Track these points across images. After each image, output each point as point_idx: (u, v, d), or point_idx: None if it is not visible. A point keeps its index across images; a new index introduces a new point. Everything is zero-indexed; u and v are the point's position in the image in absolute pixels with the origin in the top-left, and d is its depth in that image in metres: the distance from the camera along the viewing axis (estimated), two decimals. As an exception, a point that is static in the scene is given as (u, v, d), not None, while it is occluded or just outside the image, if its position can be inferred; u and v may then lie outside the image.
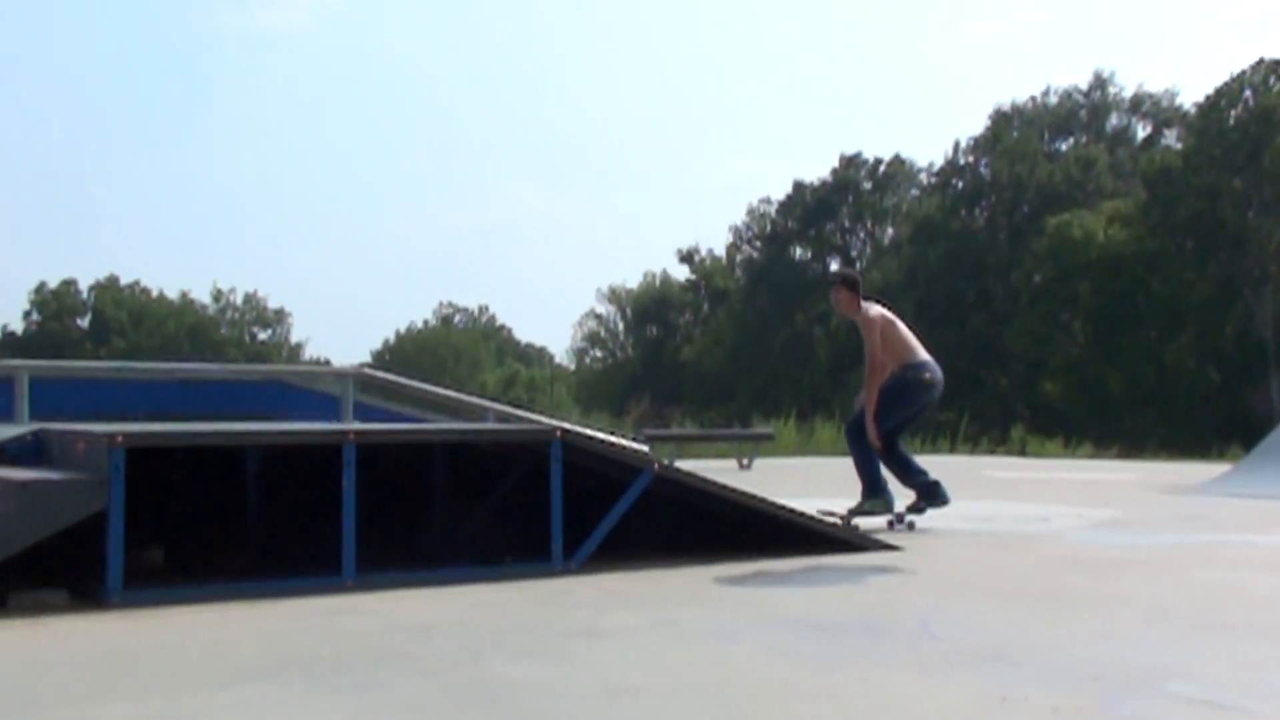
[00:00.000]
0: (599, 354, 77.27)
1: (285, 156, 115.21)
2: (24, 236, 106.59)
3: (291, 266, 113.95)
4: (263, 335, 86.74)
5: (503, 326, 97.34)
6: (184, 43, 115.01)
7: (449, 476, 7.39)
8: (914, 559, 6.68)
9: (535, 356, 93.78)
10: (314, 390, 9.94)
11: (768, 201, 64.58)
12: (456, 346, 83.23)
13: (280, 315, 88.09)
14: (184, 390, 9.35)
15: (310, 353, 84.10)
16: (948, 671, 3.89)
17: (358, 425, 6.70)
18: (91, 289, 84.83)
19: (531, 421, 8.28)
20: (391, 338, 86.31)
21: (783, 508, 6.82)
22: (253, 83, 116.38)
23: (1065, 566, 6.50)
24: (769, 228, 63.88)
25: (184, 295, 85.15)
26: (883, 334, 7.93)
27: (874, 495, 7.96)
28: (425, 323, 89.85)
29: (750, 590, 5.72)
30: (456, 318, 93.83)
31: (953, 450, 24.74)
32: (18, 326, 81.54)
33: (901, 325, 8.08)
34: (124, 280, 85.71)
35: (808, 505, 7.33)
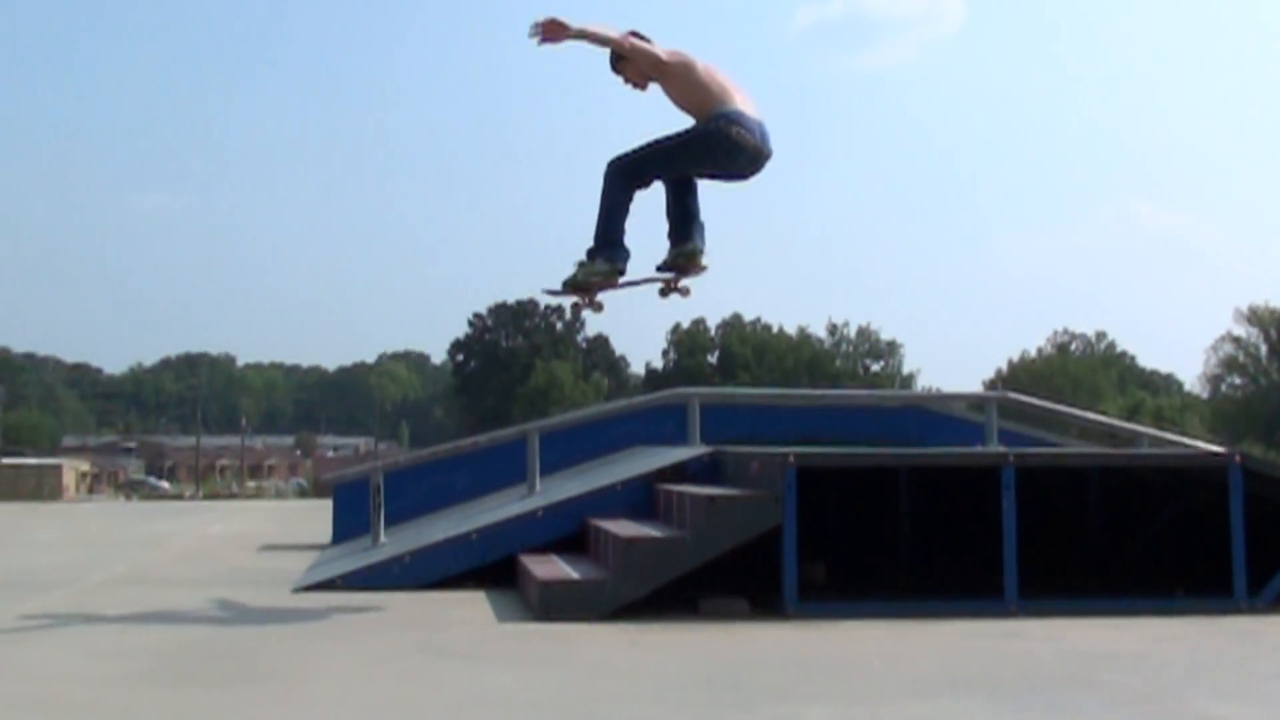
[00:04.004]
0: (1238, 380, 70.53)
1: (887, 190, 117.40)
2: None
3: (903, 298, 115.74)
4: (875, 367, 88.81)
5: (1124, 353, 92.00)
6: (794, 87, 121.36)
7: (1104, 503, 7.06)
8: None
9: (1161, 384, 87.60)
10: (950, 415, 9.96)
11: None
12: (1073, 375, 79.76)
13: (892, 347, 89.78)
14: (828, 416, 9.76)
15: (921, 384, 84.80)
16: None
17: (1016, 449, 6.60)
18: (719, 327, 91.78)
19: (1196, 448, 7.69)
20: (1003, 367, 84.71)
21: None
22: (851, 123, 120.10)
23: None
24: None
25: (801, 330, 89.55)
26: (682, 75, 5.84)
27: (597, 252, 5.89)
28: (1039, 351, 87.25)
29: None
30: (1073, 344, 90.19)
31: None
32: (658, 364, 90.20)
33: (716, 70, 5.93)
34: (747, 318, 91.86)
35: None
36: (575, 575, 5.70)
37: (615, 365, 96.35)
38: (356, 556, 7.17)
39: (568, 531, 6.79)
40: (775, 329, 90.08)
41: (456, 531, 6.78)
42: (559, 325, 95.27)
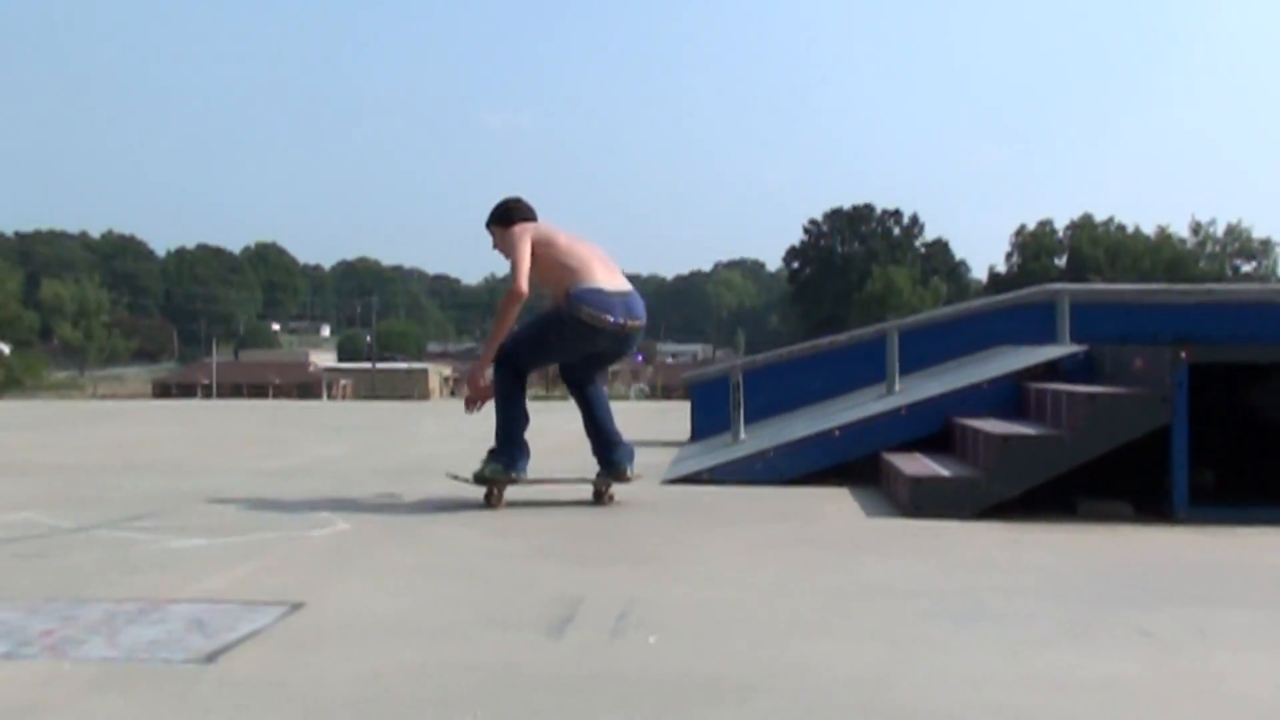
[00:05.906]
0: None
1: (1258, 75, 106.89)
2: (1010, 184, 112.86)
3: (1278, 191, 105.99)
4: (1246, 268, 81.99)
5: None
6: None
7: None
8: None
9: None
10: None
11: None
12: None
13: (1266, 246, 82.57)
14: (1210, 314, 9.07)
15: (1300, 286, 77.61)
16: None
17: None
18: (1067, 229, 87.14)
19: None
20: (1401, 266, 76.28)
21: None
22: (1213, 22, 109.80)
23: None
24: None
25: (1160, 230, 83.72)
26: (538, 253, 5.66)
27: (498, 453, 5.73)
28: None
29: None
30: None
31: None
32: (1001, 268, 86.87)
33: (578, 243, 5.80)
34: (1098, 218, 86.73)
35: None
36: (945, 473, 5.60)
37: (955, 270, 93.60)
38: (719, 452, 7.34)
39: (930, 431, 6.68)
40: (1131, 229, 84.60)
41: (819, 428, 6.81)
42: (896, 230, 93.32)
